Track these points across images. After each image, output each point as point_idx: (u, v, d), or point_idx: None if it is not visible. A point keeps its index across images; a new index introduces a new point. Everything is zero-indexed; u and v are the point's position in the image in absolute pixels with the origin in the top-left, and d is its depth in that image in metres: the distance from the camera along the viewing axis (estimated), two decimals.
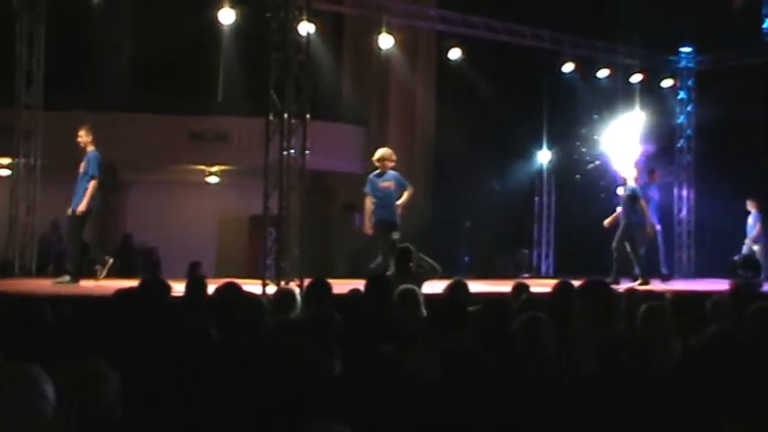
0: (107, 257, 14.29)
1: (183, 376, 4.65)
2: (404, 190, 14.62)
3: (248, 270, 21.15)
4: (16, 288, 12.97)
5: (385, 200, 14.42)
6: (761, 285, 15.22)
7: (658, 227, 19.61)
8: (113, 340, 6.41)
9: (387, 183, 14.48)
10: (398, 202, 14.47)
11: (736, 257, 18.85)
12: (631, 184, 17.40)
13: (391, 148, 15.11)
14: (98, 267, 14.10)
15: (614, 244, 17.08)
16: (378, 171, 14.57)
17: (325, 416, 4.54)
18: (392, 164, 14.65)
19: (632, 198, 17.30)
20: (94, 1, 18.07)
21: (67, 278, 13.70)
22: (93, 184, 13.75)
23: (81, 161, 14.09)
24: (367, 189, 14.60)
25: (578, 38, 21.26)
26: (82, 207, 13.69)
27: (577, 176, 22.86)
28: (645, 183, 19.26)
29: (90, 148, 14.02)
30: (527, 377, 5.37)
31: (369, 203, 14.48)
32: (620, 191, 17.68)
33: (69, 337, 5.49)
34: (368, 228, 14.43)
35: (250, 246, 22.76)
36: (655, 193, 19.80)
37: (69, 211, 14.21)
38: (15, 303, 9.16)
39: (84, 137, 14.12)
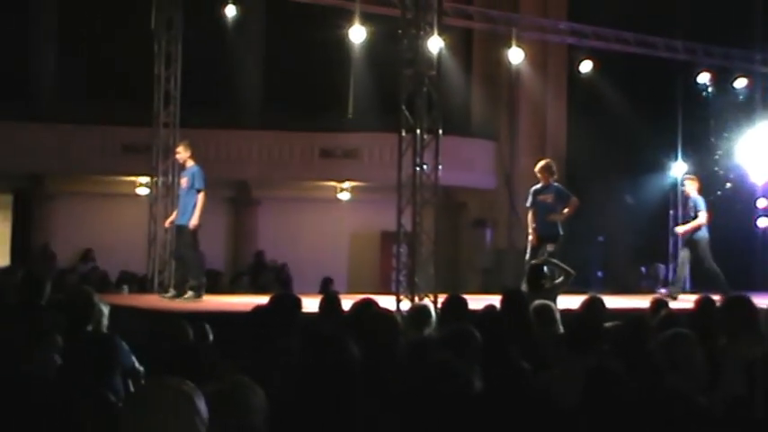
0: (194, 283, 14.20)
1: (324, 392, 4.65)
2: (566, 202, 14.55)
3: (380, 286, 21.25)
4: (155, 305, 13.22)
5: (542, 214, 14.44)
6: None
7: None
8: (252, 356, 6.48)
9: (544, 196, 14.48)
10: (554, 216, 14.41)
11: None
12: (694, 196, 16.59)
13: (549, 160, 15.12)
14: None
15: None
16: (541, 184, 14.57)
17: None
18: (554, 177, 14.60)
19: (695, 211, 16.60)
20: (228, 21, 18.39)
21: (191, 293, 13.86)
22: (201, 197, 13.90)
23: (183, 177, 14.29)
24: (527, 203, 14.77)
25: (713, 47, 20.75)
26: (194, 221, 13.83)
27: (719, 193, 22.28)
28: None
29: (190, 163, 14.18)
30: (672, 397, 5.23)
31: (529, 216, 14.60)
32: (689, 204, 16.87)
33: (210, 353, 5.56)
34: (532, 239, 14.45)
35: (382, 261, 22.87)
36: None
37: (167, 223, 14.45)
38: (158, 320, 9.35)
39: (182, 153, 14.30)
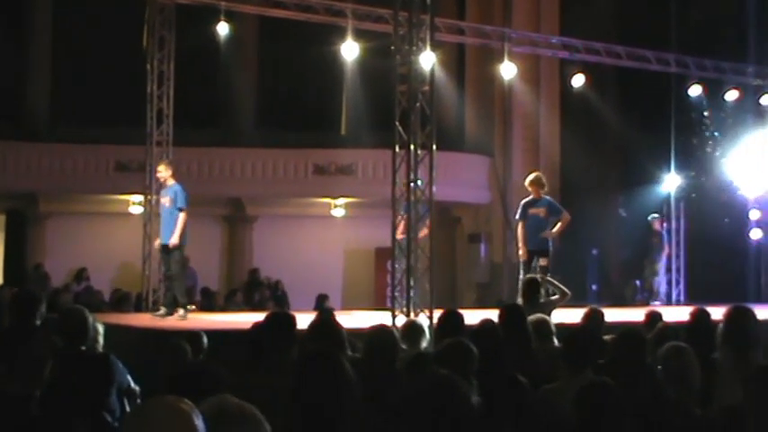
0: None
1: (321, 410, 4.63)
2: (558, 217, 14.38)
3: (375, 302, 21.26)
4: (150, 324, 13.19)
5: (533, 227, 14.21)
6: None
7: None
8: (248, 374, 6.45)
9: (536, 209, 14.28)
10: (552, 231, 14.21)
11: None
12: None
13: (539, 173, 14.99)
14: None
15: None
16: (531, 197, 14.40)
17: None
18: (544, 189, 14.48)
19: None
20: (220, 39, 18.39)
21: (182, 312, 13.87)
22: (182, 216, 13.83)
23: (164, 196, 14.20)
24: (517, 216, 14.52)
25: (705, 60, 20.82)
26: (174, 239, 13.78)
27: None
28: None
29: (171, 182, 14.12)
30: (671, 410, 5.22)
31: (520, 230, 14.34)
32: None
33: (210, 371, 5.53)
34: (521, 254, 14.28)
35: (377, 277, 22.87)
36: None
37: (157, 244, 14.47)
38: (155, 339, 9.31)
39: (163, 172, 14.24)
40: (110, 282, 21.32)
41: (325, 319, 8.56)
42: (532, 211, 14.26)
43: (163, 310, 14.26)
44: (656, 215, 21.37)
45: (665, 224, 22.47)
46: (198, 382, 4.81)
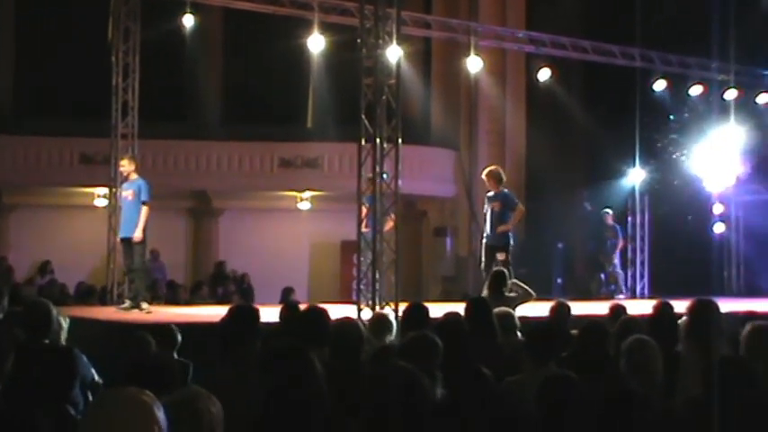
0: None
1: (287, 404, 4.63)
2: (512, 209, 14.16)
3: (341, 295, 21.24)
4: (115, 317, 13.13)
5: (491, 221, 14.05)
6: None
7: None
8: (213, 367, 6.45)
9: (492, 204, 14.09)
10: (502, 227, 13.94)
11: None
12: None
13: (496, 167, 14.81)
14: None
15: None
16: (492, 191, 14.20)
17: None
18: (502, 183, 14.13)
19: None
20: (186, 31, 18.29)
21: (146, 306, 13.89)
22: (145, 209, 13.82)
23: (127, 189, 14.17)
24: (484, 209, 14.42)
25: (669, 54, 20.94)
26: (138, 233, 13.76)
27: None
28: None
29: (134, 176, 14.11)
30: (634, 402, 5.25)
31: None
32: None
33: (172, 363, 5.53)
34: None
35: (342, 271, 22.86)
36: None
37: (119, 239, 14.45)
38: (119, 332, 9.26)
39: (127, 166, 14.24)
40: (74, 275, 21.17)
41: (318, 311, 8.53)
42: (490, 205, 14.15)
43: (127, 303, 14.23)
44: (607, 210, 21.53)
45: (628, 218, 22.63)
46: (161, 374, 4.81)
